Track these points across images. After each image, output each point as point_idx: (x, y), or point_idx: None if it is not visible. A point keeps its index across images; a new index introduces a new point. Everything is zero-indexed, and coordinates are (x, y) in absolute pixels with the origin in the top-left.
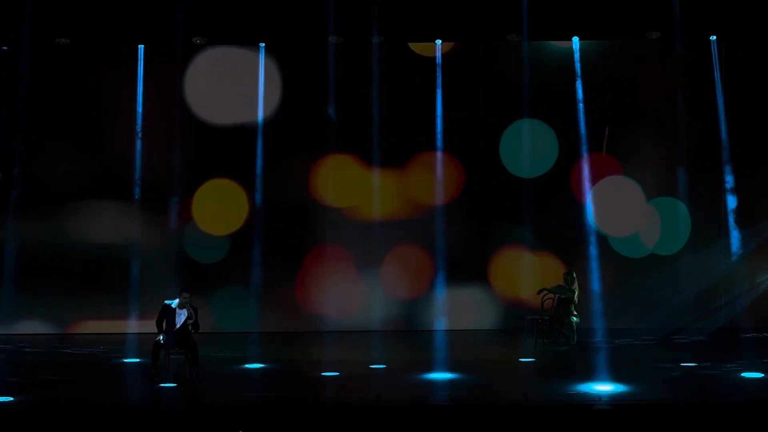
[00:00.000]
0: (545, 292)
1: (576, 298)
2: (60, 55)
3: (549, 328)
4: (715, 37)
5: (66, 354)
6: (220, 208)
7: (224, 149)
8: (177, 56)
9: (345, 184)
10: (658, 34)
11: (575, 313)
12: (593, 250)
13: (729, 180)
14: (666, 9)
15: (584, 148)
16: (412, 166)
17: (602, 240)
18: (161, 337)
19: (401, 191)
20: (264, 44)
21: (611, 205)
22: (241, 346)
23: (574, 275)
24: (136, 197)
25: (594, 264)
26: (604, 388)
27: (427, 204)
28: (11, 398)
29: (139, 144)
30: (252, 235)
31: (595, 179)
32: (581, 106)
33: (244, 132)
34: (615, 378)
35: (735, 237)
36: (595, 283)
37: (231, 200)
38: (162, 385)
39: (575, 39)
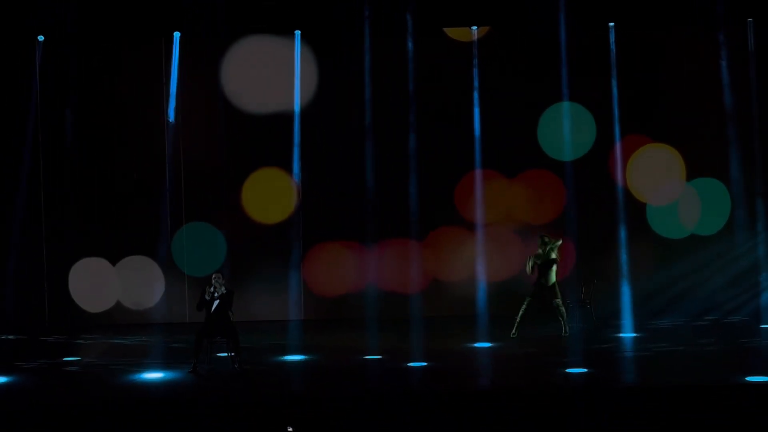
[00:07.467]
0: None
1: (555, 260)
2: (95, 46)
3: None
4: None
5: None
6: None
7: (263, 138)
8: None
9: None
10: None
11: (559, 295)
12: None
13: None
14: None
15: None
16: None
17: (642, 222)
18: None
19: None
20: (299, 32)
21: (650, 179)
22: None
23: (545, 239)
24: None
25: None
26: None
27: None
28: None
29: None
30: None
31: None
32: (615, 86)
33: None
34: None
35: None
36: (632, 266)
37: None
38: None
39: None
